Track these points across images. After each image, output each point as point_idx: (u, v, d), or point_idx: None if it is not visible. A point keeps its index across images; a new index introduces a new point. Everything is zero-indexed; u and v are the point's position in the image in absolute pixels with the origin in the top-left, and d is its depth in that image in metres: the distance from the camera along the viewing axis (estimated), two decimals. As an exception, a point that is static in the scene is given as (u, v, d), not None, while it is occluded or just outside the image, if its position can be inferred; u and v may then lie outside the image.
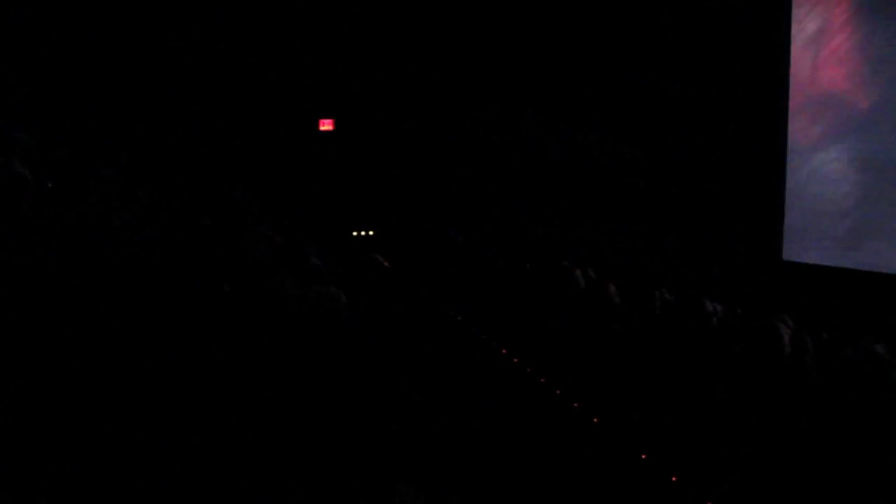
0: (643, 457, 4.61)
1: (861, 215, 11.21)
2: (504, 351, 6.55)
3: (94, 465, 2.28)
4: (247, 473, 2.42)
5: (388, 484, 2.55)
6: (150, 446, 2.39)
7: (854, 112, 11.31)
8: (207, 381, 2.76)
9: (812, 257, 11.76)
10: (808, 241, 11.90)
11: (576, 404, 5.35)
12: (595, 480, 4.63)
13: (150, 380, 2.66)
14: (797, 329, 4.89)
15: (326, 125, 12.81)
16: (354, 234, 12.34)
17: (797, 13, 12.04)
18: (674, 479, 4.37)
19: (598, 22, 12.59)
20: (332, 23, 12.43)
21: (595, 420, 5.14)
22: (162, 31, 11.85)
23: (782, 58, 12.08)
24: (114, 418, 2.45)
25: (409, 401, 3.69)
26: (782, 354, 4.53)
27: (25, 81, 10.62)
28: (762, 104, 12.30)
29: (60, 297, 2.89)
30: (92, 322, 2.83)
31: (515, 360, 6.35)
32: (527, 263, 8.26)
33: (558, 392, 5.64)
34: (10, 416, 2.30)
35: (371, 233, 12.39)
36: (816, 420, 3.99)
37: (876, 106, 11.05)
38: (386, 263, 5.93)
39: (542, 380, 5.88)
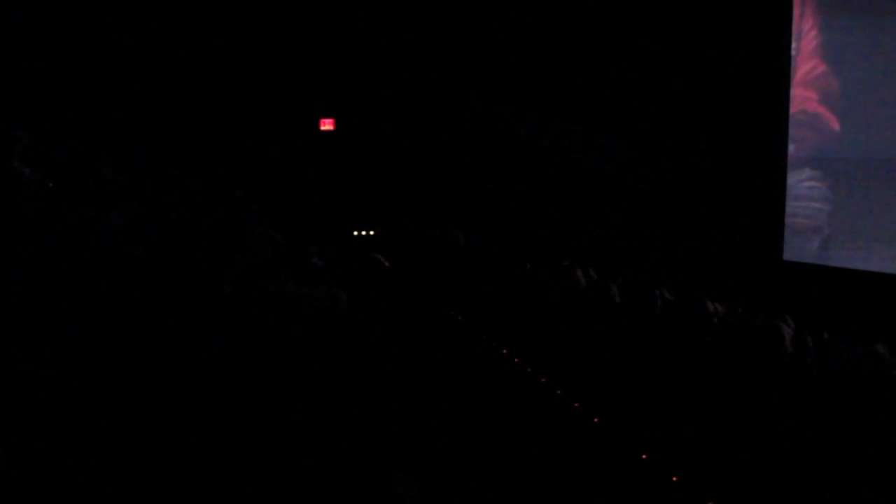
0: (643, 457, 4.61)
1: (830, 232, 11.62)
2: (504, 351, 6.55)
3: (94, 465, 2.27)
4: (247, 472, 2.42)
5: (388, 483, 2.55)
6: (151, 445, 2.39)
7: (826, 132, 11.63)
8: (208, 380, 2.76)
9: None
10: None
11: (576, 404, 5.34)
12: (595, 480, 4.62)
13: (151, 379, 2.66)
14: (798, 329, 4.90)
15: (326, 125, 12.80)
16: (355, 234, 12.33)
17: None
18: (674, 479, 4.37)
19: (600, 23, 12.59)
20: (332, 22, 12.42)
21: (595, 420, 5.13)
22: (162, 30, 11.85)
23: (785, 60, 12.12)
24: (114, 418, 2.44)
25: (410, 400, 3.69)
26: (784, 354, 4.53)
27: (25, 81, 10.62)
28: (764, 106, 12.31)
29: (61, 297, 2.89)
30: (92, 322, 2.83)
31: (516, 360, 6.35)
32: (527, 263, 8.25)
33: (558, 392, 5.63)
34: (10, 416, 2.30)
35: (371, 233, 12.38)
36: (817, 419, 3.99)
37: (847, 127, 11.40)
38: (386, 263, 5.93)
39: (543, 380, 5.87)
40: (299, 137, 12.61)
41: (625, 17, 12.53)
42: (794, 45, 12.06)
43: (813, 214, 11.93)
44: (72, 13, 11.36)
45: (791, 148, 12.12)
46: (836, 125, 11.65)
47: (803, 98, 12.00)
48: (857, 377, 4.03)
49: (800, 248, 12.03)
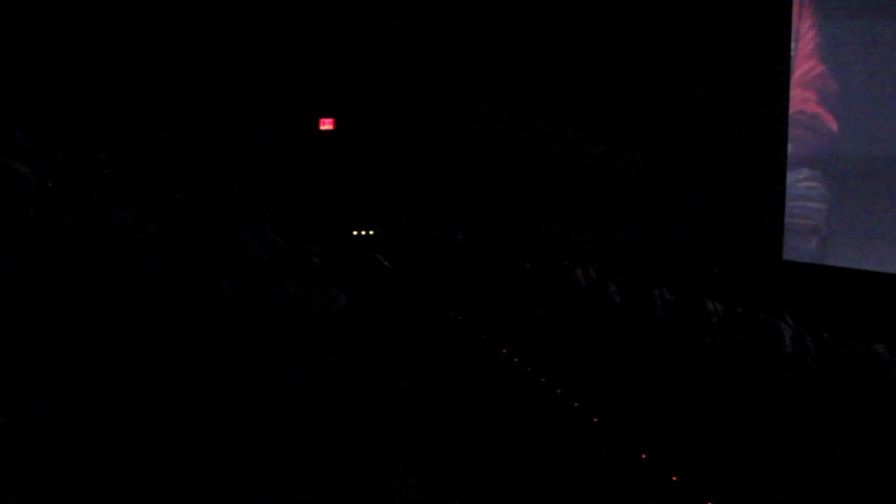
0: (643, 457, 4.61)
1: (828, 232, 11.66)
2: (504, 351, 6.55)
3: (92, 465, 2.28)
4: (247, 471, 2.42)
5: (389, 482, 2.55)
6: (150, 445, 2.39)
7: (824, 132, 11.66)
8: (207, 380, 2.76)
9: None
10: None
11: (576, 404, 5.35)
12: (595, 480, 4.63)
13: (150, 379, 2.66)
14: (797, 328, 4.90)
15: (326, 125, 12.80)
16: (354, 233, 12.34)
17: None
18: (674, 479, 4.37)
19: (600, 23, 12.59)
20: (332, 23, 12.42)
21: (595, 420, 5.13)
22: (162, 30, 11.85)
23: (784, 60, 12.13)
24: (113, 418, 2.45)
25: (410, 400, 3.69)
26: (783, 354, 4.53)
27: (25, 81, 10.62)
28: (763, 106, 12.32)
29: (60, 297, 2.89)
30: (92, 322, 2.83)
31: (515, 359, 6.35)
32: (527, 263, 8.25)
33: (558, 392, 5.64)
34: (9, 416, 2.30)
35: (371, 233, 12.38)
36: (817, 419, 3.99)
37: (845, 127, 11.44)
38: (386, 263, 5.93)
39: (542, 379, 5.88)
40: (299, 137, 12.61)
41: (625, 18, 12.53)
42: (792, 45, 12.08)
43: (811, 214, 11.97)
44: (72, 13, 11.36)
45: (789, 148, 12.15)
46: (833, 125, 11.68)
47: (801, 98, 12.03)
48: (856, 377, 4.03)
49: (798, 247, 12.06)
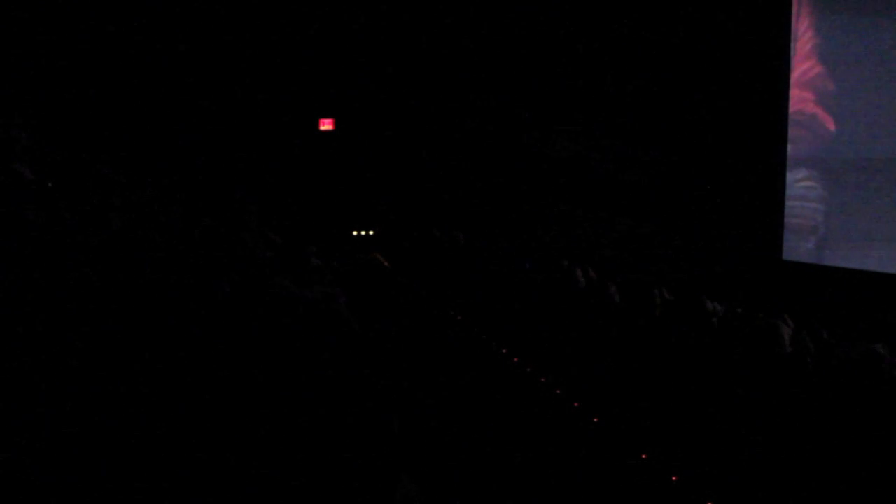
0: (643, 457, 4.61)
1: (826, 232, 11.68)
2: (504, 351, 6.55)
3: (91, 465, 2.28)
4: (247, 472, 2.42)
5: (389, 482, 2.55)
6: (151, 446, 2.39)
7: (823, 133, 11.68)
8: (207, 381, 2.76)
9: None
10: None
11: (576, 404, 5.35)
12: (595, 480, 4.63)
13: (149, 380, 2.66)
14: (797, 329, 4.90)
15: (326, 125, 12.80)
16: (354, 233, 12.33)
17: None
18: (674, 479, 4.37)
19: (600, 23, 12.60)
20: (332, 23, 12.43)
21: (595, 420, 5.14)
22: (162, 30, 11.85)
23: (784, 61, 12.14)
24: (113, 420, 2.45)
25: (410, 400, 3.69)
26: (783, 354, 4.53)
27: (25, 81, 10.62)
28: (762, 106, 12.32)
29: (60, 297, 2.89)
30: (91, 322, 2.83)
31: (515, 359, 6.35)
32: (527, 263, 8.25)
33: (558, 392, 5.64)
34: (9, 416, 2.30)
35: (371, 233, 12.38)
36: (817, 419, 4.00)
37: (843, 128, 11.46)
38: (386, 263, 5.93)
39: (542, 380, 5.88)
40: (299, 137, 12.61)
41: (624, 18, 12.53)
42: (791, 45, 12.10)
43: (809, 214, 11.98)
44: (72, 13, 11.36)
45: (788, 148, 12.17)
46: (832, 125, 11.69)
47: (800, 98, 12.05)
48: (855, 377, 4.03)
49: (796, 247, 12.07)
